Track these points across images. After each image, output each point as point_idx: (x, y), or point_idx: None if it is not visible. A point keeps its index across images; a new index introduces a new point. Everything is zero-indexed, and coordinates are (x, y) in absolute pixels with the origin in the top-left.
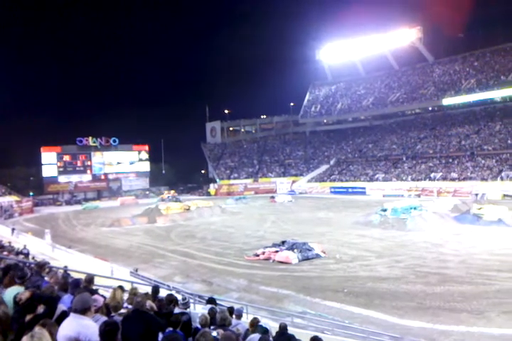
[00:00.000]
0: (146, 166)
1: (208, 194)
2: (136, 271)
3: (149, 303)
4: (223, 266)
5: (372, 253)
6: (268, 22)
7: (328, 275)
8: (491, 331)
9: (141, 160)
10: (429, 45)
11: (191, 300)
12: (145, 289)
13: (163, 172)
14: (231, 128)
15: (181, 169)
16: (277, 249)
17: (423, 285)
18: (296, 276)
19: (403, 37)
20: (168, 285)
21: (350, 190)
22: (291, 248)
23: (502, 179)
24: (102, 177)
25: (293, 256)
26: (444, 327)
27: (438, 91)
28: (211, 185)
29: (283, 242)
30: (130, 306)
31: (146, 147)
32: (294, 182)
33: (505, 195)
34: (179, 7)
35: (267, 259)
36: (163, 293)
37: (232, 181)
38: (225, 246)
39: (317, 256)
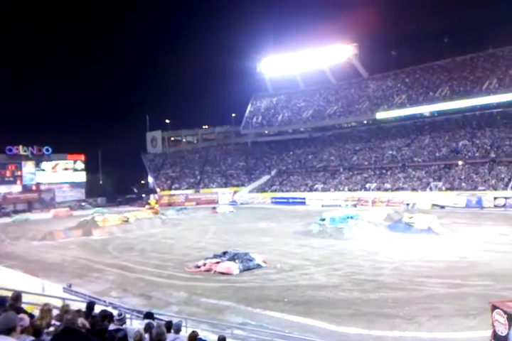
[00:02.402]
0: (81, 176)
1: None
2: (70, 286)
3: (81, 320)
4: (163, 279)
5: (311, 262)
6: (210, 33)
7: (268, 285)
8: (422, 335)
9: (76, 170)
10: (364, 62)
11: (128, 316)
12: (79, 306)
13: (101, 182)
14: (172, 138)
15: (120, 179)
16: (219, 260)
17: (359, 293)
18: (238, 287)
19: (340, 53)
20: (105, 301)
21: (290, 200)
22: (233, 258)
23: (431, 189)
24: (34, 187)
25: (234, 267)
26: (379, 332)
27: (372, 105)
28: (151, 196)
29: (224, 253)
30: (60, 324)
31: (82, 156)
32: (235, 192)
33: (433, 205)
34: (120, 14)
35: (208, 271)
36: (98, 309)
37: (173, 192)
38: (165, 258)
39: (258, 266)
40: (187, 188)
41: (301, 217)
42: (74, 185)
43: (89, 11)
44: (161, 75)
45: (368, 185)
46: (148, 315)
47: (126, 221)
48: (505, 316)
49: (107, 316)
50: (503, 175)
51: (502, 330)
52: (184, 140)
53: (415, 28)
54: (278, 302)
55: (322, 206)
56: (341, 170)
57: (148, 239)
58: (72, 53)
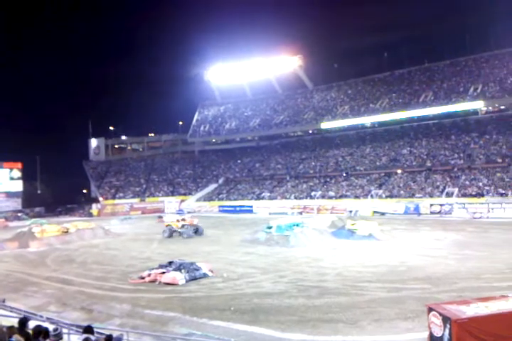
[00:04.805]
0: (18, 185)
1: (90, 215)
2: (4, 301)
3: (16, 337)
4: (105, 292)
5: (258, 269)
6: (157, 40)
7: (215, 294)
8: (363, 339)
9: (12, 178)
10: (309, 73)
11: (66, 331)
12: (13, 322)
13: (39, 192)
14: (116, 146)
15: (60, 188)
16: (164, 270)
17: (304, 299)
18: (183, 297)
19: (286, 64)
20: (41, 316)
21: (238, 208)
22: (179, 268)
23: (372, 197)
24: None
25: (180, 277)
26: (323, 338)
27: (317, 115)
28: (94, 205)
29: (170, 263)
30: None
31: (19, 165)
32: (182, 201)
33: (374, 212)
34: (63, 17)
35: (153, 281)
36: (34, 324)
37: (117, 201)
38: (108, 269)
39: (205, 275)
40: (132, 197)
41: (248, 225)
42: (9, 194)
43: (30, 12)
44: (105, 81)
45: (313, 193)
46: (88, 330)
47: (67, 232)
48: (441, 318)
49: (41, 332)
50: (438, 183)
51: (437, 332)
52: (129, 147)
53: (357, 42)
54: (224, 312)
55: (269, 214)
56: (288, 178)
57: (90, 250)
58: (12, 55)
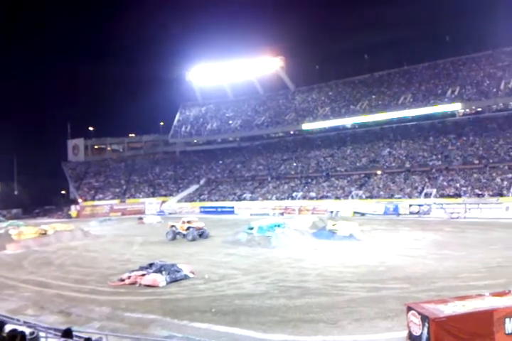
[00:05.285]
0: None
1: (69, 216)
2: None
3: None
4: (84, 294)
5: (239, 271)
6: (138, 40)
7: (196, 295)
8: (344, 338)
9: None
10: (290, 74)
11: (43, 334)
12: None
13: (16, 193)
14: (96, 146)
15: (38, 190)
16: (144, 272)
17: (285, 299)
18: (164, 299)
19: (268, 65)
20: (18, 319)
21: (219, 209)
22: (159, 270)
23: (352, 197)
24: None
25: (161, 279)
26: (303, 338)
27: (298, 116)
28: (72, 207)
29: (150, 265)
30: None
31: None
32: (163, 202)
33: (355, 212)
34: (41, 16)
35: (133, 284)
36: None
37: (96, 202)
38: (87, 272)
39: (186, 277)
40: (112, 198)
41: (230, 226)
42: None
43: (6, 11)
44: (85, 81)
45: (294, 194)
46: (66, 333)
47: (44, 234)
48: (419, 317)
49: (16, 335)
50: (416, 184)
51: (416, 330)
52: (109, 148)
53: (338, 44)
54: (205, 313)
55: (251, 215)
56: (269, 179)
57: (69, 252)
58: None
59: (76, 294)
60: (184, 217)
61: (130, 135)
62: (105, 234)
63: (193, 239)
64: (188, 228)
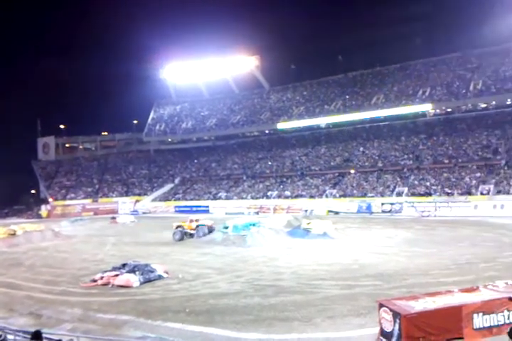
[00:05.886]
0: None
1: (39, 216)
2: None
3: None
4: (55, 296)
5: (214, 270)
6: (111, 36)
7: (170, 296)
8: (318, 336)
9: None
10: (265, 74)
11: (12, 337)
12: None
13: None
14: (67, 145)
15: (6, 189)
16: (117, 273)
17: (260, 298)
18: (137, 300)
19: (243, 64)
20: None
21: (194, 208)
22: (133, 270)
23: (326, 196)
24: None
25: (134, 279)
26: (278, 336)
27: (273, 116)
28: (43, 207)
29: (124, 265)
30: None
31: None
32: (137, 201)
33: (329, 211)
34: (9, 12)
35: (106, 284)
36: None
37: (67, 202)
38: (58, 273)
39: (160, 277)
40: (84, 198)
41: None
42: None
43: None
44: (55, 78)
45: (269, 193)
46: (36, 335)
47: (13, 234)
48: (391, 313)
49: None
50: (389, 183)
51: (388, 327)
52: (81, 147)
53: (312, 44)
54: (179, 313)
55: (226, 214)
56: (244, 178)
57: (39, 253)
58: None
59: (47, 295)
60: (190, 216)
61: (103, 133)
62: (77, 234)
63: (204, 236)
64: (197, 226)
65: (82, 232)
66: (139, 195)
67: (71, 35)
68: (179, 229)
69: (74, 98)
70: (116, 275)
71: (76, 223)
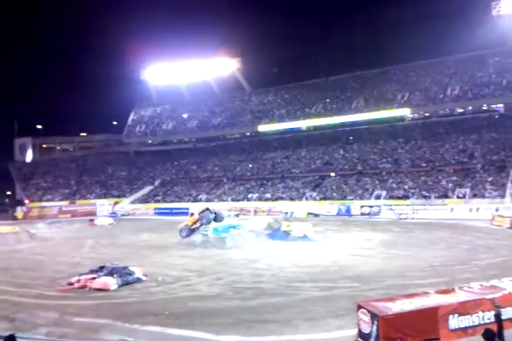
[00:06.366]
0: None
1: (15, 218)
2: None
3: None
4: (30, 299)
5: (193, 272)
6: (91, 35)
7: (149, 299)
8: (297, 338)
9: None
10: (247, 76)
11: None
12: None
13: None
14: (45, 146)
15: None
16: (95, 276)
17: (240, 301)
18: (115, 303)
19: (224, 66)
20: None
21: (174, 210)
22: (111, 273)
23: (307, 199)
24: None
25: (112, 282)
26: (257, 338)
27: (255, 118)
28: (18, 208)
29: (101, 268)
30: None
31: None
32: (116, 203)
33: (309, 213)
34: None
35: (83, 287)
36: None
37: (44, 203)
38: (34, 276)
39: (138, 279)
40: (61, 199)
41: None
42: None
43: None
44: (33, 78)
45: (250, 195)
46: (10, 339)
47: None
48: (369, 315)
49: None
50: (367, 186)
51: (366, 328)
52: (59, 147)
53: (294, 48)
54: (158, 316)
55: None
56: (225, 180)
57: (14, 255)
58: None
59: (22, 299)
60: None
61: (81, 134)
62: (54, 237)
63: (208, 222)
64: (200, 213)
65: (59, 234)
66: (118, 196)
67: (50, 34)
68: (186, 227)
69: (52, 98)
70: (94, 278)
71: (53, 225)
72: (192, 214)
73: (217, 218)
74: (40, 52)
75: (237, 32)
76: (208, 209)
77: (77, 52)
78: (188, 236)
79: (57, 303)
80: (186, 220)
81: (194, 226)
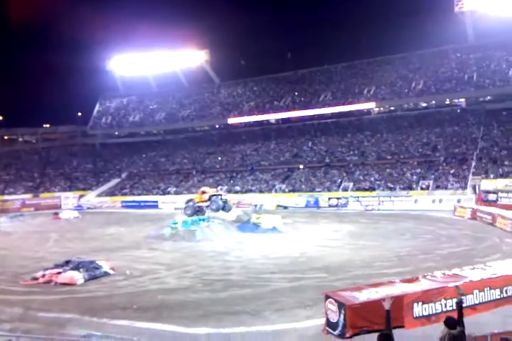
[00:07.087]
0: None
1: None
2: None
3: None
4: None
5: (162, 266)
6: (55, 25)
7: (116, 292)
8: (266, 328)
9: None
10: (215, 68)
11: None
12: None
13: None
14: (6, 137)
15: None
16: (60, 270)
17: (209, 293)
18: (82, 297)
19: (193, 57)
20: None
21: (142, 203)
22: (77, 267)
23: (276, 191)
24: None
25: (78, 276)
26: (226, 330)
27: (224, 110)
28: None
29: (67, 262)
30: None
31: None
32: (81, 196)
33: (278, 205)
34: None
35: (48, 282)
36: None
37: (6, 197)
38: None
39: (106, 273)
40: (24, 193)
41: (153, 221)
42: None
43: None
44: None
45: (219, 188)
46: None
47: None
48: (336, 304)
49: None
50: (335, 178)
51: (333, 317)
52: (21, 139)
53: (263, 41)
54: (126, 310)
55: (175, 209)
56: (194, 173)
57: None
58: None
59: None
60: (203, 187)
61: (44, 125)
62: (16, 231)
63: (217, 210)
64: (211, 197)
65: (21, 228)
66: (84, 189)
67: (12, 22)
68: (189, 203)
69: (13, 88)
70: (59, 272)
71: (15, 219)
72: (203, 193)
73: (226, 207)
74: (1, 41)
75: (206, 23)
76: (220, 195)
77: (41, 41)
78: (191, 215)
79: (21, 298)
80: (195, 196)
81: (200, 204)
